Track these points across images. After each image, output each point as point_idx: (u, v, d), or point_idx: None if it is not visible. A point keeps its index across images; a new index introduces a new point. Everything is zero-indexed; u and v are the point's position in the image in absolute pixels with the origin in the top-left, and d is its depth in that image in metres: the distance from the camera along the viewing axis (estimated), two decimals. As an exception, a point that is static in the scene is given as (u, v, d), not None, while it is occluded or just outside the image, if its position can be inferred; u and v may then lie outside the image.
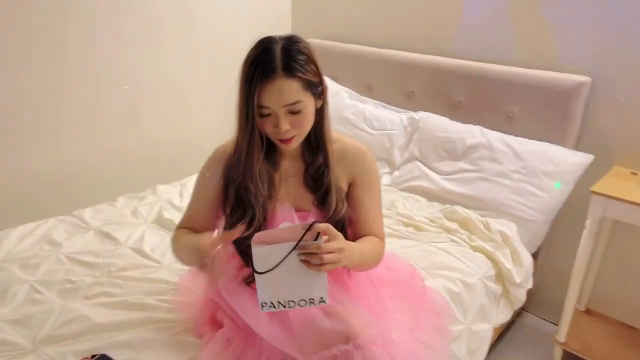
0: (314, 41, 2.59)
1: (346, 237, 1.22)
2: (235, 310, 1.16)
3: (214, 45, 2.44)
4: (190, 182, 2.06)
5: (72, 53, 2.00)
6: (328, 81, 2.43)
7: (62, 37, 1.95)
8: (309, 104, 1.09)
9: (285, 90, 1.04)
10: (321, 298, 0.99)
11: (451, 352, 1.43)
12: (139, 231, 1.71)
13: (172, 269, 1.49)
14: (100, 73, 2.10)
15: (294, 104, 1.06)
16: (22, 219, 1.76)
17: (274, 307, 1.00)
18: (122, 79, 2.18)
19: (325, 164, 1.19)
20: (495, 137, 1.95)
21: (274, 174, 1.20)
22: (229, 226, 1.17)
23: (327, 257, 0.97)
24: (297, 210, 1.21)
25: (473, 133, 2.00)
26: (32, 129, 1.97)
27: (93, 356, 1.14)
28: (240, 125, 1.11)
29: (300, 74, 1.05)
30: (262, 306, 0.99)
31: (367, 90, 2.42)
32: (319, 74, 1.10)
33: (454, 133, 2.04)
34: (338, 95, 2.40)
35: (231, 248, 1.20)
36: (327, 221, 1.18)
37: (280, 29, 2.73)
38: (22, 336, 1.20)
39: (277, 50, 1.04)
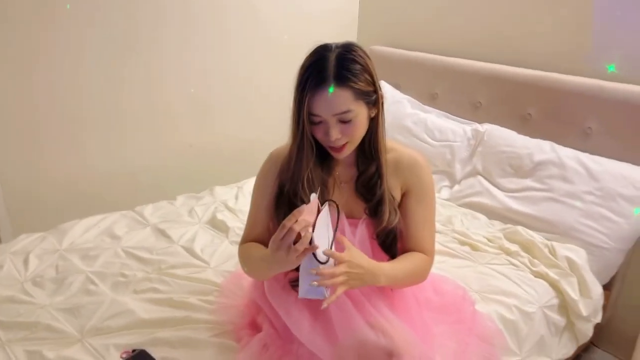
0: (378, 48, 2.55)
1: (396, 251, 1.19)
2: (277, 315, 1.15)
3: (279, 49, 2.46)
4: (247, 185, 2.09)
5: (141, 52, 2.10)
6: (390, 89, 2.41)
7: (131, 36, 2.05)
8: (360, 113, 1.07)
9: (336, 100, 1.04)
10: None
11: (501, 385, 1.33)
12: (192, 231, 1.75)
13: (218, 270, 1.51)
14: (167, 73, 2.20)
15: (344, 113, 1.05)
16: (90, 212, 1.87)
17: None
18: (189, 80, 2.27)
19: (379, 173, 1.16)
20: (567, 154, 1.80)
21: (327, 179, 1.20)
22: None
23: (331, 281, 0.97)
24: (349, 217, 1.19)
25: (543, 149, 1.86)
26: (101, 127, 2.09)
27: (133, 350, 1.17)
28: (292, 131, 1.12)
29: (352, 84, 1.04)
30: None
31: (431, 99, 2.34)
32: (373, 83, 1.09)
33: (522, 148, 1.90)
34: (400, 103, 2.34)
35: None
36: (378, 232, 1.17)
37: (347, 33, 2.71)
38: (71, 325, 1.26)
39: (331, 58, 1.04)
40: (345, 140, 1.09)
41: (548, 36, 1.98)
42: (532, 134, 1.95)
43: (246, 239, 1.24)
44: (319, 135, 1.10)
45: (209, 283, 1.44)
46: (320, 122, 1.08)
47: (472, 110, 2.19)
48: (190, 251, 1.62)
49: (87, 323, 1.26)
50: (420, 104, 2.33)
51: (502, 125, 2.04)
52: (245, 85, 2.45)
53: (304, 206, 0.97)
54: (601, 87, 1.77)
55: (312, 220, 0.97)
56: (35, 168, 1.98)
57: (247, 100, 2.48)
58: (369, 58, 1.09)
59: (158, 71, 2.17)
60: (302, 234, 0.94)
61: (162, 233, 1.74)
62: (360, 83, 1.05)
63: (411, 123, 2.23)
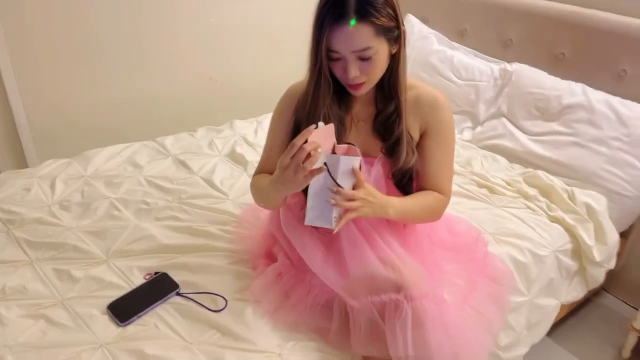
0: (407, -21, 2.41)
1: (411, 190, 1.19)
2: (291, 246, 1.19)
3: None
4: (266, 119, 2.08)
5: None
6: (417, 23, 2.31)
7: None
8: (380, 50, 1.03)
9: (356, 36, 0.99)
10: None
11: (507, 323, 1.37)
12: (211, 162, 1.78)
13: (236, 202, 1.55)
14: (188, 3, 2.14)
15: (364, 50, 1.01)
16: (112, 141, 1.91)
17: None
18: (210, 10, 2.21)
19: (397, 113, 1.14)
20: (598, 98, 1.73)
21: (344, 117, 1.17)
22: None
23: (348, 203, 0.99)
24: (365, 155, 1.17)
25: (573, 91, 1.79)
26: (123, 58, 2.08)
27: (155, 273, 1.24)
28: (309, 67, 1.09)
29: (374, 19, 0.99)
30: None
31: (459, 35, 2.23)
32: (396, 18, 1.03)
33: (551, 90, 1.83)
34: (426, 39, 2.24)
35: None
36: (394, 171, 1.17)
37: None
38: (98, 247, 1.33)
39: None
40: (363, 79, 1.06)
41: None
42: (564, 75, 1.87)
43: (259, 172, 1.26)
44: (338, 73, 1.07)
45: (227, 214, 1.48)
46: (338, 59, 1.04)
47: (502, 48, 2.10)
48: (209, 182, 1.65)
49: (112, 246, 1.33)
50: (448, 40, 2.23)
51: (532, 65, 1.95)
52: (267, 18, 2.37)
53: (314, 126, 0.95)
54: (637, 26, 1.67)
55: (327, 145, 0.98)
56: (57, 97, 2.00)
57: (269, 34, 2.41)
58: None
59: (179, 1, 2.11)
60: (312, 155, 0.94)
61: (183, 164, 1.77)
62: (382, 18, 1.00)
63: (437, 60, 2.16)
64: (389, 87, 1.13)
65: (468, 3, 2.16)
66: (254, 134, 2.01)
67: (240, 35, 2.35)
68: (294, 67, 1.11)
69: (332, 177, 0.99)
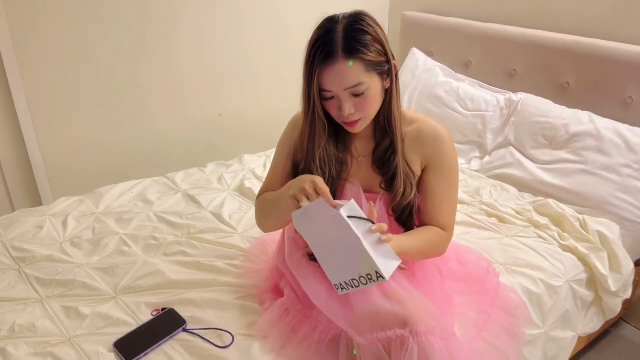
0: (411, 14, 2.48)
1: (412, 226, 1.19)
2: (297, 281, 1.18)
3: (314, 15, 2.43)
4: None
5: (173, 22, 2.12)
6: (422, 57, 2.35)
7: (160, 5, 2.07)
8: (372, 85, 1.04)
9: (346, 73, 1.01)
10: (377, 273, 0.95)
11: (523, 357, 1.33)
12: (220, 197, 1.79)
13: (244, 236, 1.55)
14: (199, 44, 2.21)
15: (355, 86, 1.02)
16: (124, 178, 1.94)
17: (346, 288, 1.00)
18: (221, 50, 2.28)
19: (393, 147, 1.14)
20: (605, 125, 1.73)
21: (344, 155, 1.18)
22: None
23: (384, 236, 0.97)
24: (367, 191, 1.18)
25: (580, 119, 1.79)
26: (134, 98, 2.14)
27: (163, 309, 1.23)
28: (303, 109, 1.11)
29: (362, 55, 1.00)
30: (337, 288, 1.00)
31: (464, 67, 2.27)
32: (385, 53, 1.05)
33: (557, 118, 1.84)
34: (432, 71, 2.28)
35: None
36: (394, 206, 1.16)
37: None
38: (106, 283, 1.33)
39: (339, 30, 1.01)
40: (359, 116, 1.07)
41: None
42: (570, 104, 1.87)
43: (264, 191, 1.27)
44: (333, 112, 1.08)
45: (235, 248, 1.49)
46: (332, 98, 1.06)
47: (507, 79, 2.12)
48: (218, 217, 1.67)
49: (121, 282, 1.33)
50: (453, 72, 2.27)
51: (538, 95, 1.97)
52: (276, 54, 2.43)
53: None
54: (642, 54, 1.68)
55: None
56: (72, 136, 2.05)
57: (278, 69, 2.47)
58: (380, 27, 1.05)
59: (189, 42, 2.18)
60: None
61: (192, 199, 1.79)
62: (370, 54, 1.01)
63: (443, 92, 2.18)
64: (385, 122, 1.14)
65: (471, 36, 2.20)
66: (262, 168, 2.03)
67: (247, 72, 2.40)
68: (300, 101, 1.13)
69: (363, 219, 0.97)
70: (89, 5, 1.91)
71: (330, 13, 1.06)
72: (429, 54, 2.38)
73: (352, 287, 0.99)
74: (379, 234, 0.98)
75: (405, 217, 1.17)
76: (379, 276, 0.95)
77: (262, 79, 2.46)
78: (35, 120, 1.94)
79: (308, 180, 1.01)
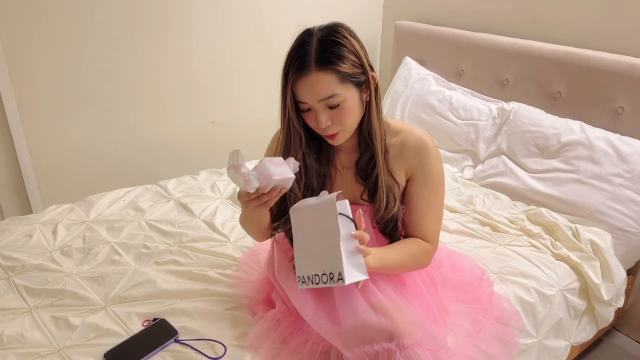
0: (404, 23, 2.50)
1: (397, 238, 1.18)
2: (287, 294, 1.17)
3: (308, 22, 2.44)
4: (268, 161, 2.10)
5: (169, 30, 2.11)
6: (415, 66, 2.36)
7: (154, 12, 2.07)
8: (349, 97, 1.03)
9: (319, 85, 1.00)
10: (340, 274, 0.93)
11: (516, 366, 1.32)
12: (213, 206, 1.78)
13: (237, 245, 1.54)
14: (192, 51, 2.21)
15: (330, 98, 1.01)
16: (115, 184, 1.93)
17: (307, 283, 0.99)
18: (213, 58, 2.27)
19: (375, 159, 1.12)
20: (597, 135, 1.74)
21: (326, 169, 1.17)
22: (275, 219, 1.18)
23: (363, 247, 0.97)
24: (353, 203, 1.16)
25: (572, 129, 1.80)
26: (126, 104, 2.13)
27: (154, 320, 1.22)
28: (281, 120, 1.10)
29: (335, 67, 0.99)
30: (299, 281, 1.00)
31: (457, 76, 2.28)
32: (361, 65, 1.03)
33: (549, 128, 1.85)
34: (425, 81, 2.29)
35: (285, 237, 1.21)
36: (378, 219, 1.15)
37: (372, 8, 2.66)
38: (97, 293, 1.31)
39: (313, 43, 1.00)
40: (337, 129, 1.06)
41: (579, 11, 1.89)
42: (561, 114, 1.89)
43: None
44: (312, 124, 1.07)
45: (228, 257, 1.47)
46: (309, 110, 1.05)
47: (499, 88, 2.13)
48: (211, 226, 1.65)
49: (112, 292, 1.32)
50: (446, 81, 2.28)
51: (530, 104, 1.98)
52: (270, 64, 2.43)
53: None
54: (634, 64, 1.69)
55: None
56: (63, 142, 2.04)
57: (273, 80, 2.46)
58: (356, 39, 1.04)
59: (183, 49, 2.18)
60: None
61: (185, 207, 1.78)
62: (344, 65, 1.00)
63: (436, 101, 2.19)
64: (367, 134, 1.12)
65: (464, 46, 2.22)
66: (255, 176, 2.02)
67: (239, 79, 2.40)
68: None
69: (351, 219, 0.97)
70: (81, 10, 1.90)
71: (310, 25, 1.05)
72: (422, 63, 2.40)
73: (312, 283, 0.97)
74: (357, 243, 0.96)
75: (390, 230, 1.15)
76: (340, 279, 0.93)
77: (255, 87, 2.45)
78: (26, 126, 1.92)
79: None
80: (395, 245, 1.14)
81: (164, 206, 1.79)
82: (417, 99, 2.24)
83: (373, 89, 1.07)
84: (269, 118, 2.45)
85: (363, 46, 1.05)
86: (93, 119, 2.08)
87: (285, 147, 1.11)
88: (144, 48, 2.09)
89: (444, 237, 1.57)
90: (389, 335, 1.00)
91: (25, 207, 2.02)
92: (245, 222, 1.22)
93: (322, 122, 1.03)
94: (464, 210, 1.77)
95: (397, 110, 2.28)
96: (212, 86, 2.33)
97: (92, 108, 2.06)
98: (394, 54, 2.56)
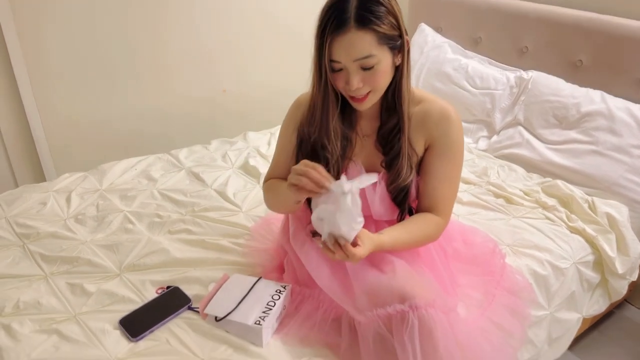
0: (420, -12, 2.41)
1: (407, 209, 1.17)
2: (300, 261, 1.17)
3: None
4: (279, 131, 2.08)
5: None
6: (431, 32, 2.29)
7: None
8: (383, 60, 1.01)
9: (357, 44, 0.97)
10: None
11: (527, 338, 1.33)
12: (225, 175, 1.78)
13: (249, 214, 1.54)
14: (202, 18, 2.16)
15: (365, 58, 0.99)
16: (127, 153, 1.93)
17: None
18: (224, 25, 2.23)
19: (399, 127, 1.11)
20: (618, 105, 1.69)
21: (349, 133, 1.15)
22: None
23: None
24: (369, 170, 1.16)
25: (592, 99, 1.75)
26: (139, 71, 2.11)
27: (168, 287, 1.23)
28: (313, 80, 1.07)
29: (375, 26, 0.97)
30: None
31: (474, 44, 2.21)
32: (399, 28, 1.01)
33: (569, 97, 1.80)
34: (440, 48, 2.23)
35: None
36: (391, 187, 1.14)
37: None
38: (111, 261, 1.33)
39: (353, 0, 0.97)
40: (367, 90, 1.03)
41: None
42: (582, 82, 1.83)
43: (269, 177, 1.26)
44: (340, 85, 1.05)
45: (240, 227, 1.47)
46: (340, 70, 1.02)
47: (518, 56, 2.07)
48: (223, 195, 1.65)
49: (125, 260, 1.33)
50: (462, 48, 2.21)
51: (549, 73, 1.92)
52: (280, 32, 2.38)
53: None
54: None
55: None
56: (74, 111, 2.03)
57: (282, 47, 2.42)
58: (395, 1, 1.01)
59: (193, 16, 2.13)
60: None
61: (196, 176, 1.77)
62: (383, 26, 0.98)
63: (451, 69, 2.13)
64: (393, 100, 1.10)
65: (482, 11, 2.14)
66: (267, 145, 2.01)
67: (251, 47, 2.36)
68: (305, 77, 1.10)
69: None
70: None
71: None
72: (438, 29, 2.33)
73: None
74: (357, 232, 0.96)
75: (401, 199, 1.14)
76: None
77: (264, 55, 2.41)
78: (37, 96, 1.91)
79: (301, 163, 0.98)
80: (406, 223, 1.13)
81: (175, 175, 1.79)
82: (432, 67, 2.19)
83: (406, 53, 1.04)
84: (278, 86, 2.44)
85: (399, 8, 1.02)
86: (104, 88, 2.06)
87: (322, 107, 1.08)
88: (154, 16, 2.05)
89: (457, 209, 1.55)
90: (400, 297, 1.01)
91: (39, 176, 2.04)
92: (278, 203, 1.21)
93: (354, 84, 1.01)
94: (478, 182, 1.75)
95: (411, 79, 2.22)
96: (222, 54, 2.29)
97: (103, 77, 2.04)
98: (409, 20, 2.49)
